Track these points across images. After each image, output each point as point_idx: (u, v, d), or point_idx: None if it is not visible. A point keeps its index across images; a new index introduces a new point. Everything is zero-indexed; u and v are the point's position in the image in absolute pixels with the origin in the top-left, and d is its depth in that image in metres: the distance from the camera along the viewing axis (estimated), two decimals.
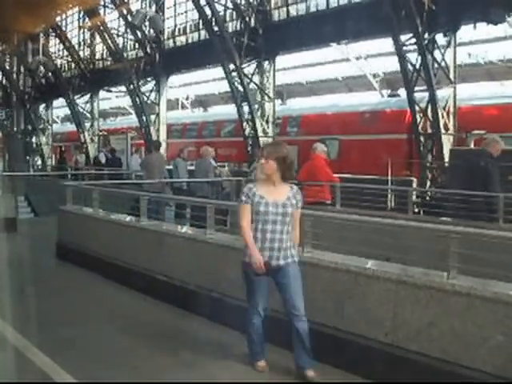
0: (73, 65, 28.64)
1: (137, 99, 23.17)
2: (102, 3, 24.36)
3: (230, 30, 18.47)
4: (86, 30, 27.22)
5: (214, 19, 18.44)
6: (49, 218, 10.61)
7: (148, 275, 6.65)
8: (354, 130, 17.44)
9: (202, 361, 4.63)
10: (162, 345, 5.02)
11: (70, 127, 32.28)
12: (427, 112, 13.99)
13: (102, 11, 24.89)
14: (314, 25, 16.12)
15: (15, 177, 17.44)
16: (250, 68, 18.33)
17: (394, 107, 17.66)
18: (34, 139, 31.28)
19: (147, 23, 21.23)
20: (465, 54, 19.97)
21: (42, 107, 32.15)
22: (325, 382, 3.97)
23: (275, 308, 4.43)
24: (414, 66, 13.79)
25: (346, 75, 27.00)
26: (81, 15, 27.40)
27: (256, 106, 18.45)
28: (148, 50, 22.65)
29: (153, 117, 23.01)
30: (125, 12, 22.74)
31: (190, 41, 21.59)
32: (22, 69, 31.27)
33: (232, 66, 18.21)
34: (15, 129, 30.96)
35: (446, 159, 13.47)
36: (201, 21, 19.86)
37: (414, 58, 13.79)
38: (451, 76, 14.06)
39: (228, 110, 22.71)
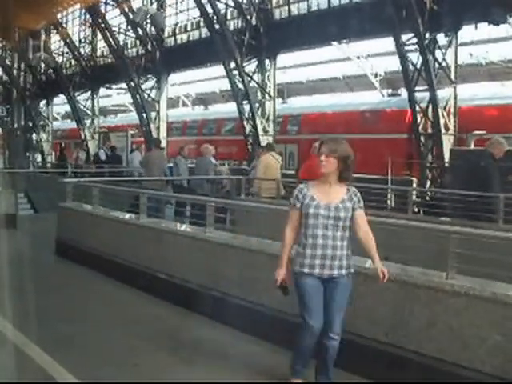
0: (73, 62, 28.62)
1: (137, 97, 23.16)
2: (104, 0, 24.35)
3: (232, 28, 18.46)
4: (87, 27, 27.21)
5: (215, 17, 18.42)
6: (49, 215, 10.60)
7: (148, 273, 6.65)
8: (355, 130, 17.42)
9: (202, 360, 4.63)
10: (161, 343, 5.02)
11: (71, 124, 32.27)
12: (428, 112, 13.98)
13: (103, 8, 24.87)
14: (316, 24, 16.11)
15: (15, 173, 17.46)
16: (250, 66, 18.32)
17: (394, 107, 17.67)
18: (34, 136, 31.30)
19: (148, 20, 21.24)
20: (466, 54, 19.93)
21: (42, 104, 32.16)
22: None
23: (275, 308, 4.43)
24: (414, 65, 13.78)
25: (346, 74, 26.96)
26: (82, 12, 27.39)
27: (257, 105, 18.44)
28: (149, 47, 22.65)
29: (153, 114, 23.01)
30: (126, 9, 22.73)
31: (191, 39, 21.59)
32: (22, 65, 31.26)
33: (233, 65, 18.19)
34: (15, 125, 30.98)
35: (446, 159, 13.48)
36: (202, 19, 19.84)
37: (415, 57, 13.77)
38: (452, 76, 14.06)
39: (229, 109, 22.70)
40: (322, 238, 3.76)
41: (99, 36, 25.80)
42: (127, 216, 7.95)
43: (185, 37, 21.96)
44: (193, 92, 35.14)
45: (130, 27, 23.33)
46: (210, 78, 29.51)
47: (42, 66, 30.02)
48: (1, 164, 23.93)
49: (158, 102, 22.95)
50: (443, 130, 13.86)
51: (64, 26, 28.61)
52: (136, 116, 24.02)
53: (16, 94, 31.47)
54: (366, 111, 18.25)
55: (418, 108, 14.13)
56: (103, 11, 24.68)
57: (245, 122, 18.60)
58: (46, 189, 15.28)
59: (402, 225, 5.48)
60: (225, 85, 23.23)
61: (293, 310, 4.72)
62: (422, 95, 14.13)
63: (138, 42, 23.52)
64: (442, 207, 8.68)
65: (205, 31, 20.17)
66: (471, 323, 3.76)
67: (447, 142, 13.86)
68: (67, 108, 31.88)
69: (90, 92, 27.90)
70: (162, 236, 6.72)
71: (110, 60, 25.45)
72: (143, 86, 23.17)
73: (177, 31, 22.41)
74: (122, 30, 24.33)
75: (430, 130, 14.16)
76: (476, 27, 13.93)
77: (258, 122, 18.30)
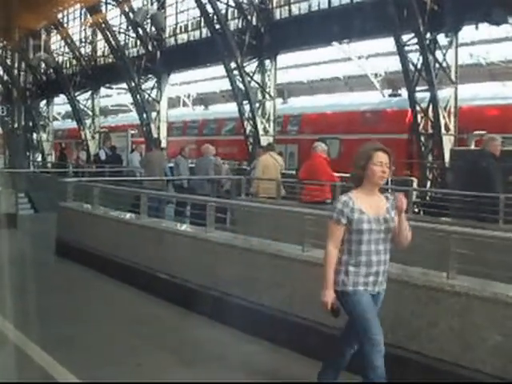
0: (74, 61, 28.64)
1: (138, 96, 23.17)
2: (104, 0, 24.36)
3: (232, 28, 18.46)
4: (87, 27, 27.22)
5: (215, 17, 18.43)
6: (49, 215, 10.60)
7: (148, 273, 6.65)
8: (355, 130, 17.42)
9: (202, 359, 4.63)
10: (161, 343, 5.02)
11: (71, 124, 32.28)
12: (428, 112, 13.99)
13: (103, 8, 24.88)
14: (316, 24, 16.12)
15: (16, 173, 17.45)
16: (251, 66, 18.33)
17: (395, 107, 17.67)
18: (34, 136, 31.31)
19: (149, 20, 21.24)
20: (466, 54, 19.93)
21: (42, 104, 32.17)
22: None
23: (275, 308, 4.43)
24: (415, 65, 13.79)
25: (347, 74, 26.96)
26: (82, 12, 27.40)
27: (257, 105, 18.45)
28: (149, 47, 22.65)
29: (154, 114, 23.01)
30: (126, 9, 22.74)
31: (191, 38, 21.60)
32: (23, 65, 31.25)
33: (233, 64, 18.20)
34: (16, 125, 30.94)
35: (447, 159, 13.47)
36: (202, 18, 19.85)
37: (415, 57, 13.80)
38: (452, 76, 14.06)
39: (229, 109, 22.70)
40: (375, 254, 3.53)
41: (99, 36, 25.82)
42: (128, 216, 7.95)
43: (185, 37, 21.98)
44: (193, 92, 35.14)
45: (130, 27, 23.34)
46: (211, 78, 29.50)
47: (43, 65, 30.04)
48: (1, 164, 23.90)
49: (159, 102, 22.96)
50: (443, 130, 13.87)
51: (64, 25, 28.63)
52: (136, 116, 24.03)
53: (16, 94, 31.43)
54: (367, 111, 18.24)
55: (418, 108, 14.14)
56: (104, 11, 24.69)
57: (245, 122, 18.61)
58: (46, 188, 15.27)
59: None
60: (225, 85, 23.19)
61: (293, 310, 4.73)
62: (422, 95, 14.14)
63: (138, 42, 23.53)
64: (443, 207, 8.67)
65: (205, 31, 20.19)
66: (472, 323, 3.76)
67: (448, 142, 13.87)
68: (68, 108, 31.89)
69: (90, 92, 27.93)
70: (162, 236, 6.72)
71: (110, 60, 25.48)
72: (143, 86, 23.20)
73: (177, 31, 22.43)
74: (122, 30, 24.35)
75: (430, 130, 14.17)
76: (476, 27, 13.94)
77: (258, 122, 18.30)
